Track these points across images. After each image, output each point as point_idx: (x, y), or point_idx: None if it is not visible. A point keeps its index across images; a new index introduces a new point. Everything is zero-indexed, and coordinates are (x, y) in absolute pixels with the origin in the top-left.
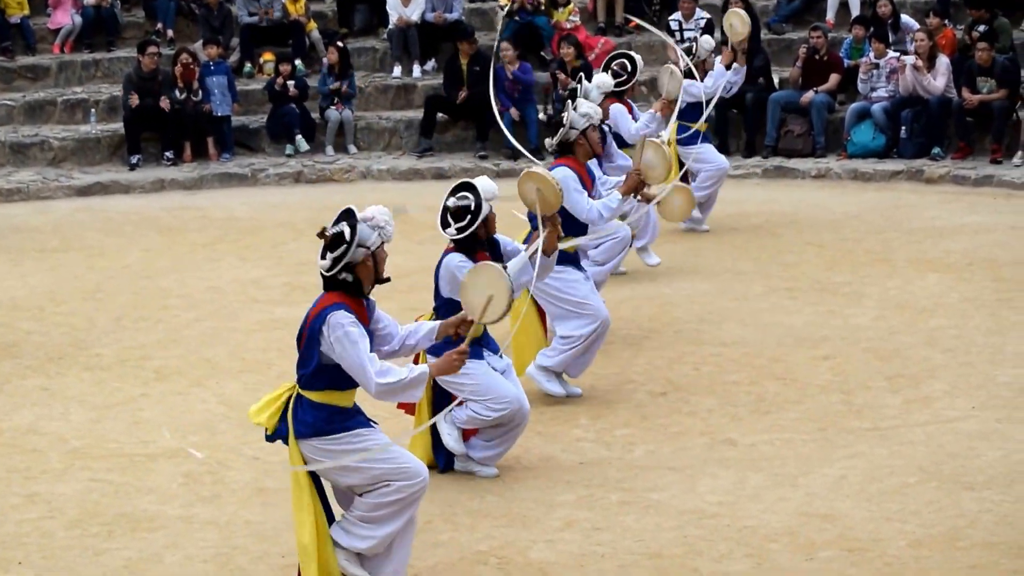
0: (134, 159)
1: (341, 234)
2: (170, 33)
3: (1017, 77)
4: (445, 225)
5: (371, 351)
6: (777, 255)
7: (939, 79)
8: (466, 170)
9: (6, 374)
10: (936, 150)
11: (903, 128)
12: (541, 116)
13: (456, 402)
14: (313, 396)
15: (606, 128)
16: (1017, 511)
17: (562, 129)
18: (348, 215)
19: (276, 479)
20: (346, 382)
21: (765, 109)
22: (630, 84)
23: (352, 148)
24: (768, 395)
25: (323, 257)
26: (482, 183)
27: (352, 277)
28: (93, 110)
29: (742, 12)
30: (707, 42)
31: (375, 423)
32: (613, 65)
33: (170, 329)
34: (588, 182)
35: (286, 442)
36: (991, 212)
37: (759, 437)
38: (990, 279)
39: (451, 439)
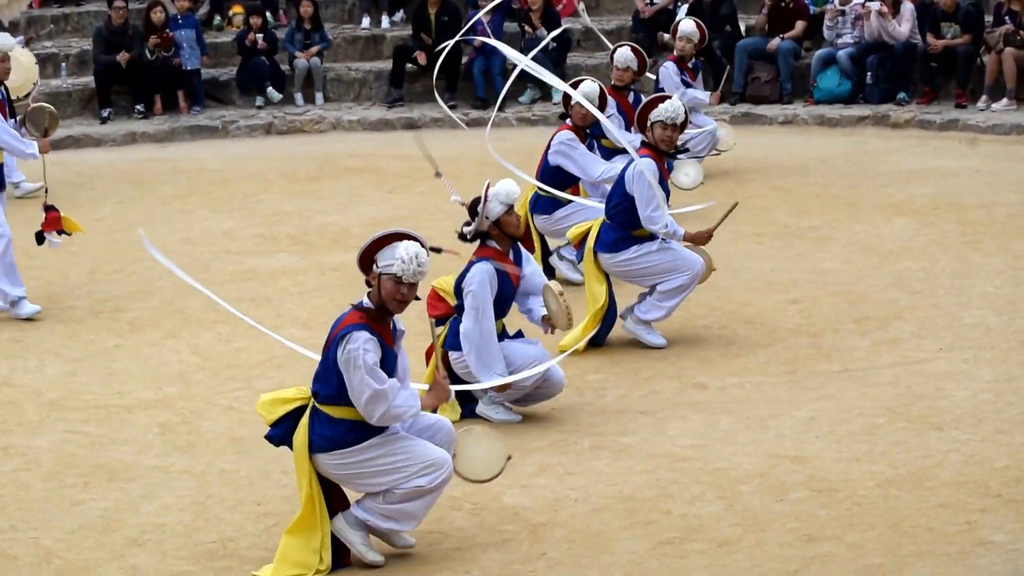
0: (105, 112)
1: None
2: None
3: (981, 22)
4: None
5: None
6: (745, 200)
7: (904, 25)
8: (436, 120)
9: None
10: (901, 95)
11: (869, 74)
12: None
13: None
14: (332, 411)
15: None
16: (984, 450)
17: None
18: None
19: (250, 428)
20: None
21: (732, 56)
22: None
23: (320, 98)
24: (738, 339)
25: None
26: (506, 186)
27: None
28: (64, 64)
29: None
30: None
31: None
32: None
33: (143, 281)
34: None
35: (284, 445)
36: (956, 156)
37: (729, 380)
38: (956, 222)
39: (500, 415)
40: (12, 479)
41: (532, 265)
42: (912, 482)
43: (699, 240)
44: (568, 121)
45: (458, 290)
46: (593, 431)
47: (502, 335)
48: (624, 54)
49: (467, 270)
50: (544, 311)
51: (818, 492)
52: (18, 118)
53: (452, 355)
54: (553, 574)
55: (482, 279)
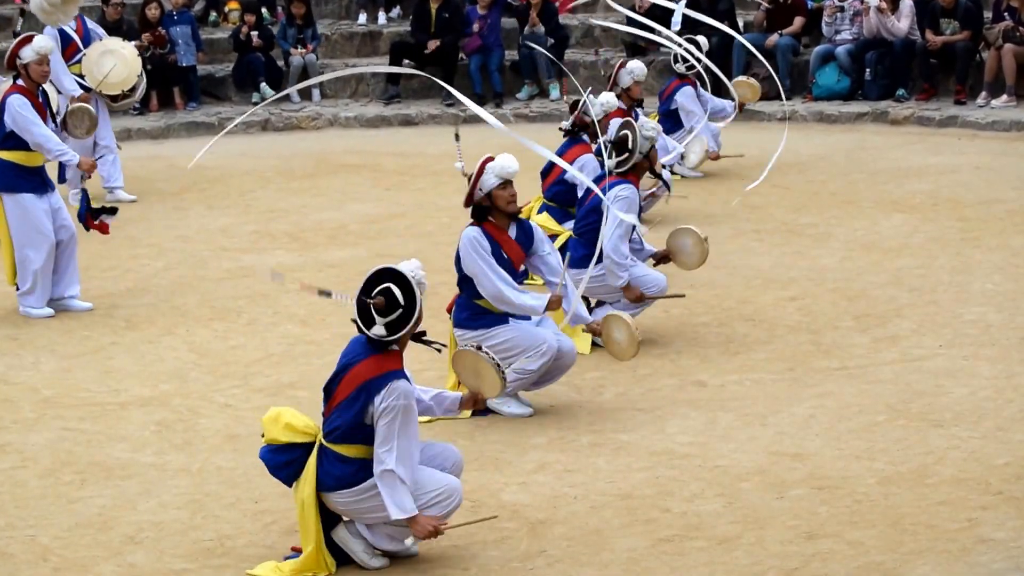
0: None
1: (394, 298)
2: None
3: (980, 18)
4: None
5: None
6: (745, 197)
7: (903, 21)
8: (433, 116)
9: None
10: (900, 92)
11: (867, 70)
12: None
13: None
14: (343, 450)
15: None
16: (985, 447)
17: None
18: (394, 276)
19: (247, 426)
20: None
21: (730, 53)
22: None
23: (316, 94)
24: (737, 336)
25: (367, 326)
26: (505, 159)
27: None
28: None
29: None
30: (704, 43)
31: None
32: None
33: (139, 278)
34: None
35: (282, 479)
36: (955, 153)
37: (728, 378)
38: (955, 219)
39: (512, 408)
40: (8, 477)
41: (547, 247)
42: (912, 479)
43: (631, 296)
44: (585, 139)
45: (457, 264)
46: (592, 428)
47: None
48: (640, 67)
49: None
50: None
51: (818, 489)
52: (59, 120)
53: (458, 333)
54: (552, 572)
55: (468, 241)
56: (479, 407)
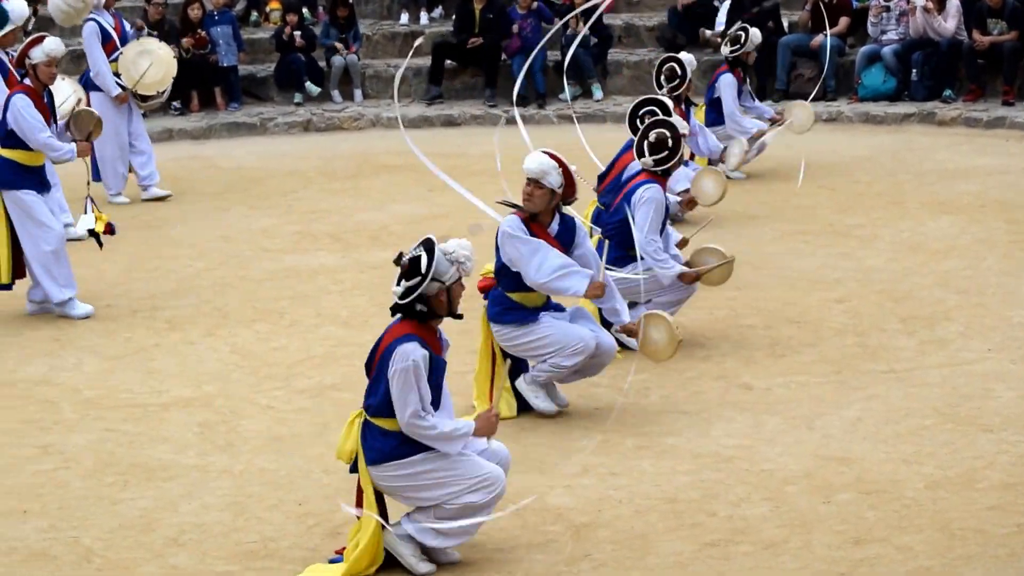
0: (141, 110)
1: (418, 262)
2: None
3: None
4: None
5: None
6: (790, 199)
7: (949, 21)
8: (475, 117)
9: (18, 325)
10: (947, 92)
11: (914, 71)
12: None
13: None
14: (383, 423)
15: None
16: None
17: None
18: (428, 245)
19: (289, 427)
20: None
21: (775, 53)
22: (684, 86)
23: (358, 95)
24: (783, 338)
25: (398, 283)
26: (538, 158)
27: (426, 308)
28: None
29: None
30: (757, 35)
31: None
32: (664, 70)
33: (181, 279)
34: None
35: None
36: (1003, 154)
37: (774, 380)
38: (1002, 220)
39: (539, 401)
40: (51, 478)
41: (587, 246)
42: (961, 484)
43: (687, 280)
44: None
45: (496, 254)
46: (637, 431)
47: (546, 305)
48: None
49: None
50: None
51: (865, 494)
52: (62, 122)
53: (494, 327)
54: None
55: (506, 228)
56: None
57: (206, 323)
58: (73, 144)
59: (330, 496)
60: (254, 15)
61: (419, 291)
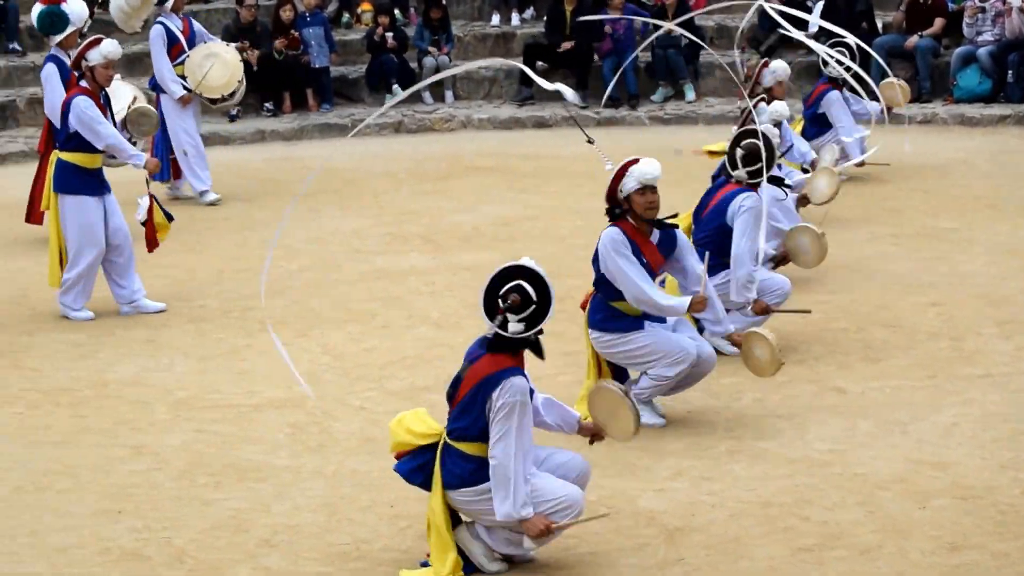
0: (234, 111)
1: (527, 295)
2: None
3: None
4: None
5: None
6: (882, 201)
7: None
8: (566, 118)
9: (110, 326)
10: None
11: (1010, 72)
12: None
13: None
14: (466, 448)
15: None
16: None
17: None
18: (523, 273)
19: (381, 429)
20: None
21: (869, 54)
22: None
23: (449, 96)
24: (876, 342)
25: (498, 321)
26: (648, 164)
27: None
28: None
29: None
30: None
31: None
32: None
33: (272, 280)
34: None
35: (418, 485)
36: None
37: (868, 384)
38: None
39: (645, 418)
40: (144, 478)
41: (691, 255)
42: None
43: (757, 310)
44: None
45: (595, 263)
46: (730, 435)
47: (646, 313)
48: (784, 66)
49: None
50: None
51: (961, 499)
52: (118, 121)
53: (593, 335)
54: None
55: (608, 240)
56: (597, 440)
57: (298, 324)
58: (145, 154)
59: (421, 498)
60: (346, 16)
61: (544, 320)
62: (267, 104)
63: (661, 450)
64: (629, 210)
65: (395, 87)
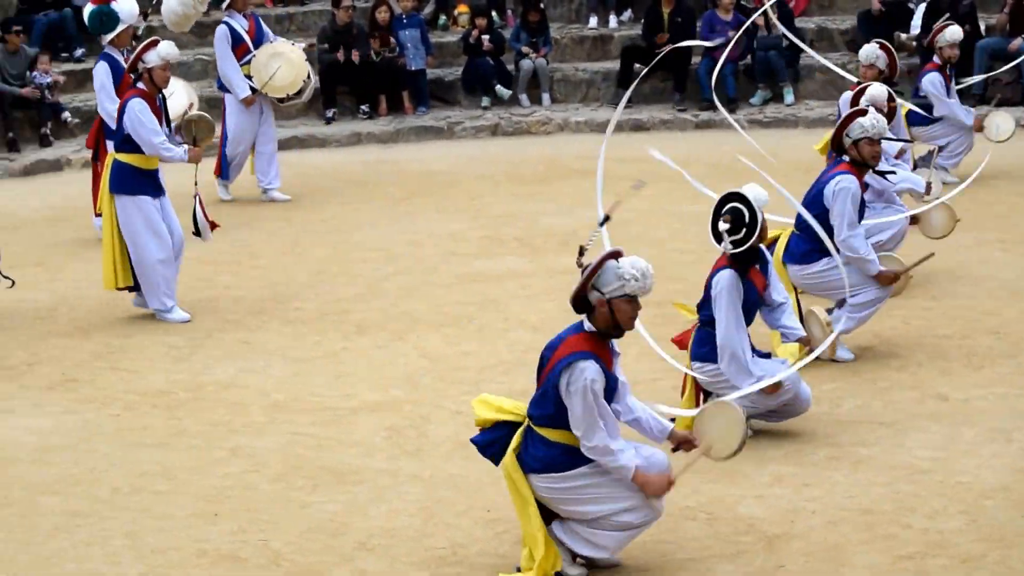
0: (329, 113)
1: (741, 215)
2: None
3: None
4: (718, 239)
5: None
6: (988, 206)
7: None
8: (664, 121)
9: (207, 328)
10: None
11: None
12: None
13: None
14: (547, 433)
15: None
16: None
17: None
18: (608, 254)
19: None
20: None
21: (972, 57)
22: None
23: (546, 98)
24: (980, 349)
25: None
26: (753, 191)
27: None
28: None
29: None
30: (956, 31)
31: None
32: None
33: (369, 283)
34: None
35: (489, 457)
36: None
37: (971, 392)
38: None
39: None
40: (240, 481)
41: (775, 275)
42: None
43: (885, 281)
44: (846, 159)
45: (704, 302)
46: (830, 442)
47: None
48: (870, 49)
49: (711, 277)
50: (801, 332)
51: None
52: (173, 125)
53: (696, 366)
54: None
55: (728, 284)
56: (686, 449)
57: (395, 327)
58: (184, 148)
59: None
60: (442, 19)
61: (587, 285)
62: (363, 107)
63: (761, 456)
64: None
65: (498, 88)
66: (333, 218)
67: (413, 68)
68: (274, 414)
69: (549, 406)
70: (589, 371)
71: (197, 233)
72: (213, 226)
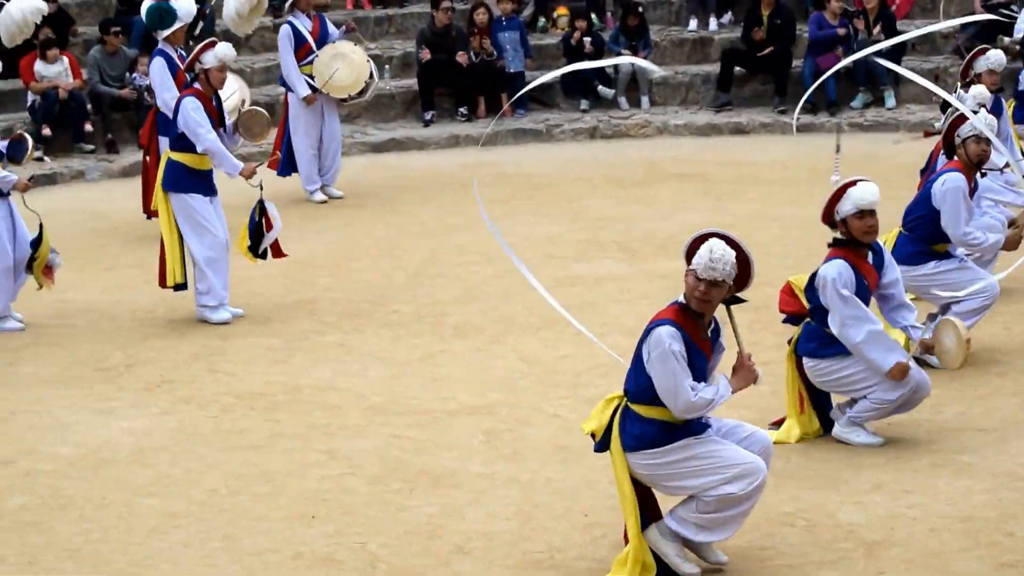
0: (428, 115)
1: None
2: None
3: None
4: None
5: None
6: None
7: None
8: (764, 125)
9: (305, 331)
10: None
11: None
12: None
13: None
14: (642, 410)
15: None
16: None
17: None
18: (709, 232)
19: (576, 436)
20: None
21: None
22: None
23: (645, 101)
24: None
25: None
26: (859, 187)
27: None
28: (387, 66)
29: None
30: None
31: (709, 425)
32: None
33: (467, 286)
34: None
35: (596, 448)
36: None
37: None
38: None
39: (861, 438)
40: (337, 483)
41: (896, 273)
42: None
43: (1010, 245)
44: (955, 158)
45: (811, 293)
46: (931, 448)
47: None
48: (1000, 56)
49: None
50: (925, 335)
51: None
52: (230, 121)
53: (808, 363)
54: None
55: (836, 275)
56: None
57: (493, 330)
58: (241, 164)
59: (617, 508)
60: (541, 21)
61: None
62: (461, 109)
63: (860, 463)
64: (846, 233)
65: (600, 88)
66: (431, 220)
67: (512, 70)
68: (371, 417)
69: (642, 378)
70: (666, 335)
71: (258, 251)
72: (277, 253)
